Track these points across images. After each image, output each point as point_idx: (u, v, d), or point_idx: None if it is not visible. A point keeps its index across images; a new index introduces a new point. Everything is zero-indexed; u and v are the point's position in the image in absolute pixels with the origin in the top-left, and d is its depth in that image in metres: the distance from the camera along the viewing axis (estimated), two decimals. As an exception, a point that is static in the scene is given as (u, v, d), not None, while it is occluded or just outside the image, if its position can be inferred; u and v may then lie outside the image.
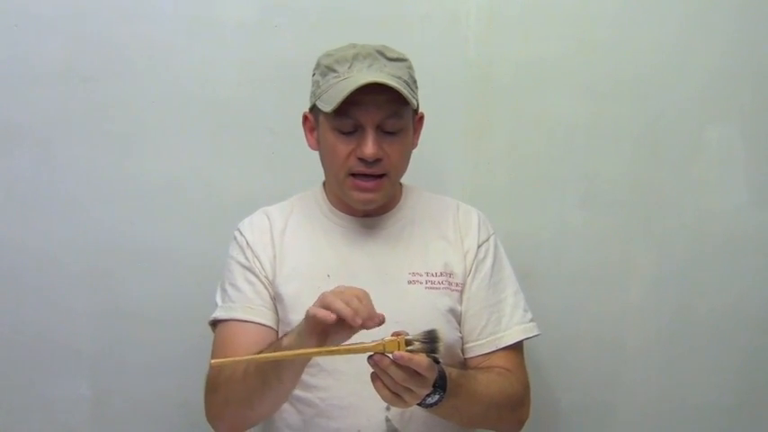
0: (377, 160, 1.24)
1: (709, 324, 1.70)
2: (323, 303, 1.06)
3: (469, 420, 1.27)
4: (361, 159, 1.24)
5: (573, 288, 1.68)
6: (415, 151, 1.35)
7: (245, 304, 1.31)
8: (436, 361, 1.07)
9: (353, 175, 1.27)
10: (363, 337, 1.07)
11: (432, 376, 1.07)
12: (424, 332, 1.07)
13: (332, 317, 1.04)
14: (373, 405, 1.24)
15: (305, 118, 1.34)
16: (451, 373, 1.15)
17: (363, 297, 1.07)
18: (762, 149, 1.69)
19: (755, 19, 1.66)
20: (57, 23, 1.60)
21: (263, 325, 1.30)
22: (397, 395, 1.07)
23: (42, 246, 1.64)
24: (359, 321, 1.04)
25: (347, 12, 1.63)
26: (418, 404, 1.11)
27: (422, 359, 1.04)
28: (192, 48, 1.63)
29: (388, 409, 1.25)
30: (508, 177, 1.67)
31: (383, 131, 1.25)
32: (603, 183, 1.68)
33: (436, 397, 1.12)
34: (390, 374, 1.05)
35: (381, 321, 1.06)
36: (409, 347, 1.05)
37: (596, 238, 1.68)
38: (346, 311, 1.03)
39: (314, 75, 1.30)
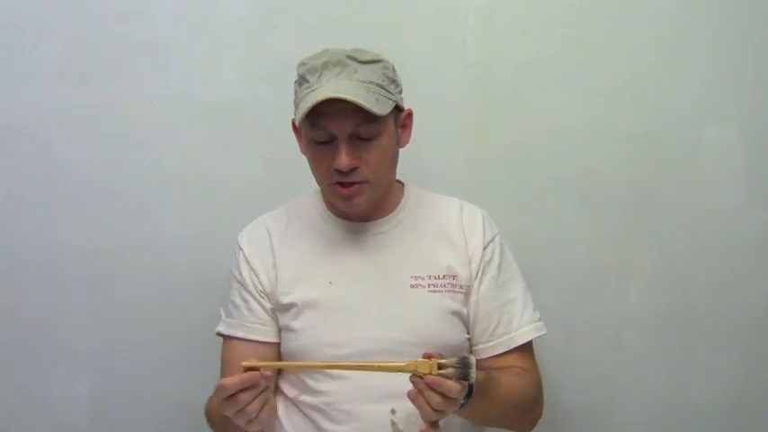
0: (353, 169, 1.23)
1: (708, 324, 1.69)
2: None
3: (489, 420, 1.29)
4: (338, 170, 1.23)
5: (572, 288, 1.68)
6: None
7: (242, 322, 1.33)
8: (469, 386, 1.10)
9: (335, 183, 1.26)
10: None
11: (461, 397, 1.09)
12: (458, 358, 1.08)
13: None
14: (378, 409, 1.24)
15: (294, 124, 1.34)
16: (479, 376, 1.14)
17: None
18: (761, 149, 1.68)
19: (755, 18, 1.66)
20: (57, 23, 1.61)
21: (257, 341, 1.32)
22: (436, 411, 1.10)
23: (42, 246, 1.64)
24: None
25: (347, 12, 1.63)
26: None
27: (453, 385, 1.07)
28: (192, 47, 1.63)
29: (393, 412, 1.25)
30: (507, 177, 1.67)
31: (359, 138, 1.23)
32: (602, 182, 1.67)
33: (462, 401, 1.13)
34: (425, 396, 1.08)
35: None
36: (441, 371, 1.07)
37: (595, 238, 1.68)
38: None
39: (294, 83, 1.29)
